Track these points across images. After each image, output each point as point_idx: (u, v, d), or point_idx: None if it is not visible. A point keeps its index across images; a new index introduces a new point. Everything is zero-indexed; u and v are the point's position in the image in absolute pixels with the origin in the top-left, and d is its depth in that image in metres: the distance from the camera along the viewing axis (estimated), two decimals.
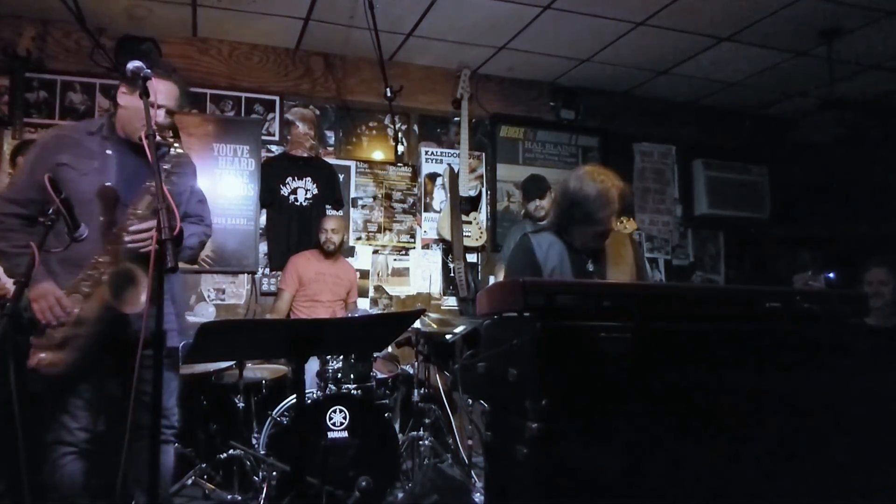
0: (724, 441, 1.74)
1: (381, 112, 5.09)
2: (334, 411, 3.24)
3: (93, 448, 2.29)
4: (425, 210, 5.16)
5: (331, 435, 3.21)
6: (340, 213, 4.92)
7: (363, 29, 4.27)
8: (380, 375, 3.68)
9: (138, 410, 2.04)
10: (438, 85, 5.18)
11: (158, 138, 2.17)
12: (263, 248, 4.73)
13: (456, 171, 5.06)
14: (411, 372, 3.96)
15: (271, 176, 4.73)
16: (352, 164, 5.05)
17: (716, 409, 1.75)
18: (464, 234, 4.93)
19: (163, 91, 2.16)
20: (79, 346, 2.06)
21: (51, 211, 1.89)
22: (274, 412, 3.41)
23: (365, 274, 4.94)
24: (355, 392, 3.42)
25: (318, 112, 5.01)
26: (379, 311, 4.57)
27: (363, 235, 5.02)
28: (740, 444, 1.75)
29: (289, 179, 4.77)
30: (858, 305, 2.00)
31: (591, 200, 2.34)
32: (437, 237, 5.12)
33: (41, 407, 2.19)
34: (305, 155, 4.86)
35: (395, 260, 5.08)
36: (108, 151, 2.27)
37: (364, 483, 3.11)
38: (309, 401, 3.27)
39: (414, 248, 5.15)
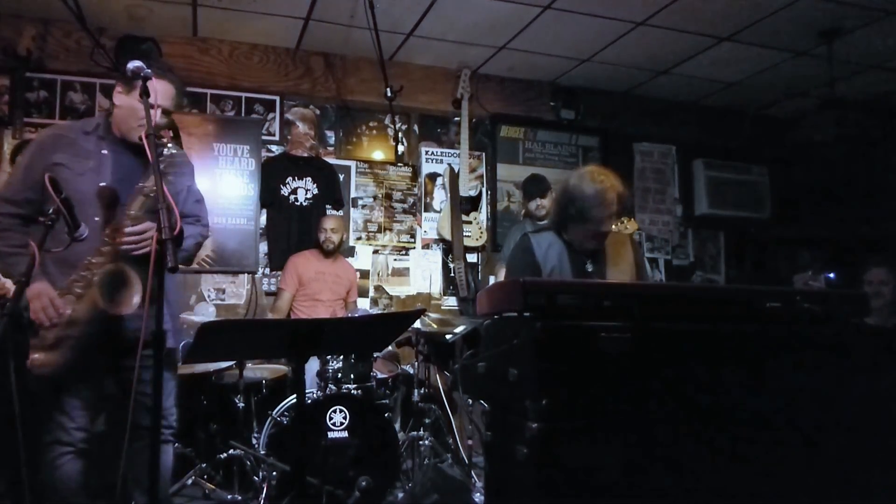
0: (723, 441, 1.74)
1: (382, 112, 5.09)
2: (334, 411, 3.24)
3: (91, 448, 2.29)
4: (425, 210, 5.16)
5: (331, 435, 3.21)
6: (340, 212, 4.93)
7: (363, 29, 4.27)
8: (380, 375, 3.68)
9: (136, 411, 2.04)
10: (439, 85, 5.18)
11: (146, 138, 2.17)
12: (263, 247, 4.73)
13: (456, 170, 5.06)
14: (411, 372, 3.97)
15: (271, 176, 4.74)
16: (352, 163, 5.05)
17: (716, 409, 1.75)
18: (464, 233, 4.93)
19: (159, 91, 2.15)
20: (71, 347, 2.05)
21: (51, 210, 1.89)
22: (274, 412, 3.41)
23: (365, 274, 4.94)
24: (355, 392, 3.42)
25: (318, 112, 5.01)
26: (379, 311, 4.58)
27: (363, 235, 5.02)
28: (740, 443, 1.75)
29: (289, 179, 4.77)
30: (859, 305, 2.00)
31: (587, 199, 2.35)
32: (437, 237, 5.12)
33: (38, 407, 2.19)
34: (306, 155, 4.86)
35: (395, 260, 5.08)
36: (104, 151, 2.27)
37: (364, 483, 3.12)
38: (309, 401, 3.27)
39: (414, 248, 5.15)
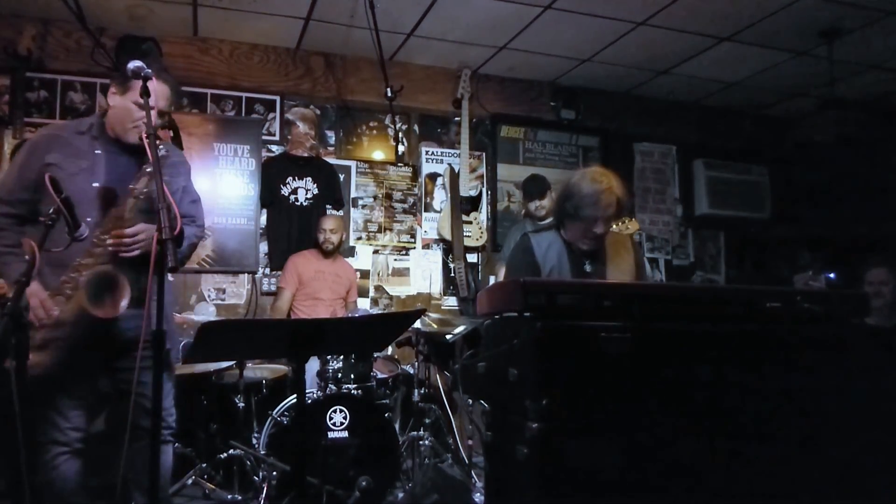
0: (724, 441, 1.74)
1: (382, 112, 5.10)
2: (334, 411, 3.24)
3: (87, 448, 2.29)
4: (426, 210, 5.16)
5: (331, 435, 3.21)
6: (340, 212, 4.93)
7: (364, 29, 4.27)
8: (380, 375, 3.68)
9: (135, 411, 2.04)
10: (439, 85, 5.19)
11: (146, 139, 2.17)
12: (264, 247, 4.74)
13: (456, 170, 5.06)
14: (411, 372, 3.97)
15: (272, 176, 4.74)
16: (352, 163, 5.05)
17: (716, 409, 1.75)
18: (464, 233, 4.93)
19: (154, 91, 2.14)
20: (58, 348, 2.04)
21: (52, 210, 1.89)
22: (274, 412, 3.41)
23: (365, 274, 4.95)
24: (355, 392, 3.42)
25: (318, 112, 5.01)
26: (379, 311, 4.58)
27: (363, 235, 5.02)
28: (740, 443, 1.75)
29: (289, 179, 4.77)
30: (859, 305, 2.00)
31: (583, 197, 2.35)
32: (437, 237, 5.12)
33: (33, 407, 2.19)
34: (306, 155, 4.87)
35: (395, 260, 5.08)
36: (98, 151, 2.26)
37: (364, 483, 3.11)
38: (309, 401, 3.27)
39: (414, 247, 5.15)
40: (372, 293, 4.92)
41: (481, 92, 5.28)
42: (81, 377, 2.25)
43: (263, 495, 3.13)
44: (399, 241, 5.11)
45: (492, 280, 5.02)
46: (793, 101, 5.73)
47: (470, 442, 3.67)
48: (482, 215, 5.18)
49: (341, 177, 4.98)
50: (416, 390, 3.77)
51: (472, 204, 5.04)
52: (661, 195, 5.85)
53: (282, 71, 4.85)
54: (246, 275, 4.68)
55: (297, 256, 4.39)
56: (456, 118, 5.24)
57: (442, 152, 5.25)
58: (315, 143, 4.95)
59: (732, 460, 1.73)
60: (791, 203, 5.92)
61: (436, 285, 5.10)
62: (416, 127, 5.29)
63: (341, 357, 3.46)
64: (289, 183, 4.77)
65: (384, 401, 3.64)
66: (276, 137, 4.86)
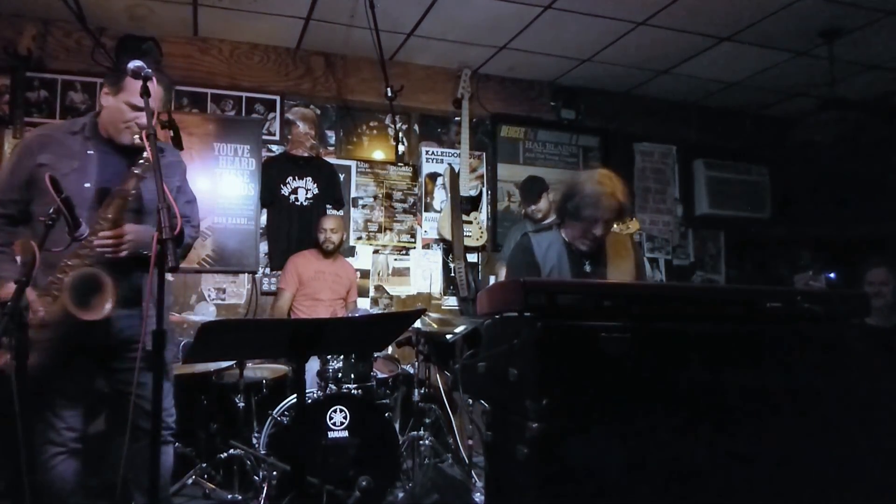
0: (724, 441, 1.74)
1: (382, 112, 5.10)
2: (334, 411, 3.24)
3: (85, 448, 2.29)
4: (426, 210, 5.16)
5: (331, 435, 3.21)
6: (341, 212, 4.93)
7: (364, 28, 4.27)
8: (380, 375, 3.68)
9: (133, 412, 2.04)
10: (439, 84, 5.19)
11: (137, 140, 2.16)
12: (264, 247, 4.74)
13: (456, 170, 5.06)
14: (411, 372, 3.96)
15: (272, 175, 4.74)
16: (352, 163, 5.05)
17: (716, 409, 1.75)
18: (464, 233, 4.93)
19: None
20: (43, 350, 2.01)
21: (52, 210, 1.89)
22: (274, 412, 3.41)
23: (365, 274, 4.95)
24: (355, 392, 3.42)
25: (318, 112, 5.01)
26: (379, 311, 4.58)
27: (364, 235, 5.02)
28: (740, 443, 1.75)
29: (289, 179, 4.77)
30: (859, 305, 2.00)
31: (584, 197, 2.36)
32: (437, 237, 5.12)
33: (30, 407, 2.19)
34: (306, 154, 4.87)
35: (395, 260, 5.08)
36: (90, 152, 2.25)
37: (364, 483, 3.11)
38: (309, 400, 3.27)
39: (414, 247, 5.15)
40: (372, 293, 4.92)
41: (481, 92, 5.28)
42: (75, 378, 2.24)
43: (263, 495, 3.13)
44: (399, 241, 5.11)
45: (492, 280, 5.02)
46: (793, 101, 5.72)
47: (470, 442, 3.66)
48: (482, 215, 5.18)
49: (341, 177, 4.98)
50: (416, 390, 3.77)
51: (473, 204, 5.04)
52: (661, 195, 5.85)
53: (282, 71, 4.85)
54: (246, 275, 4.68)
55: (297, 257, 4.39)
56: (456, 118, 5.24)
57: (442, 152, 5.25)
58: (315, 142, 4.95)
59: (732, 460, 1.73)
60: (791, 203, 5.92)
61: (436, 285, 5.10)
62: (416, 127, 5.29)
63: (341, 357, 3.46)
64: (289, 183, 4.77)
65: (384, 401, 3.64)
66: (277, 137, 4.86)
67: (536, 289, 1.71)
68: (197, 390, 3.53)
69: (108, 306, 2.03)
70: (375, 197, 5.08)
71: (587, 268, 2.47)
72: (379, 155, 5.14)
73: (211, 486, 3.32)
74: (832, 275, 4.64)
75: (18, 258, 2.27)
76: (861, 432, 1.83)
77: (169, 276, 2.42)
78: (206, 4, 4.17)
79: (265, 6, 4.21)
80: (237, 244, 4.62)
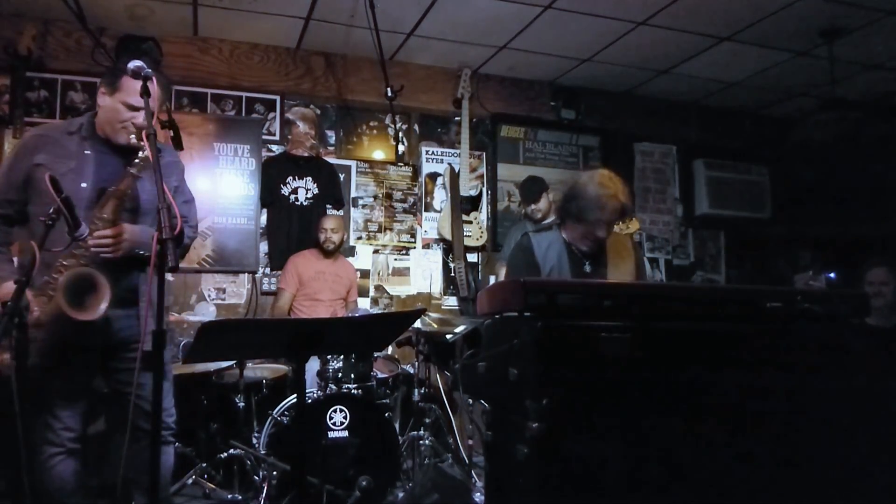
0: (724, 441, 1.74)
1: (382, 111, 5.10)
2: (335, 411, 3.24)
3: (84, 448, 2.28)
4: (426, 210, 5.16)
5: (331, 434, 3.21)
6: (341, 212, 4.93)
7: (364, 28, 4.27)
8: (380, 375, 3.68)
9: (133, 412, 2.04)
10: (439, 84, 5.19)
11: (133, 140, 2.16)
12: (264, 247, 4.74)
13: (456, 170, 5.06)
14: (411, 372, 3.96)
15: (272, 175, 4.74)
16: (352, 163, 5.05)
17: (716, 409, 1.75)
18: (464, 233, 4.93)
19: (139, 91, 2.05)
20: (36, 350, 2.00)
21: (52, 210, 1.89)
22: (274, 412, 3.41)
23: (365, 273, 4.94)
24: (356, 392, 3.42)
25: (318, 111, 5.01)
26: (379, 311, 4.57)
27: (364, 235, 5.02)
28: (740, 443, 1.75)
29: (289, 179, 4.77)
30: (859, 305, 2.00)
31: (587, 199, 2.35)
32: (437, 237, 5.12)
33: (27, 407, 2.18)
34: (306, 154, 4.87)
35: (395, 259, 5.08)
36: (87, 151, 2.25)
37: (364, 482, 3.11)
38: (309, 400, 3.27)
39: (414, 247, 5.15)
40: (372, 293, 4.92)
41: (481, 92, 5.28)
42: (72, 378, 2.23)
43: (263, 495, 3.13)
44: (399, 241, 5.11)
45: (492, 280, 5.02)
46: (793, 101, 5.73)
47: (470, 442, 3.66)
48: (482, 215, 5.18)
49: (341, 176, 4.98)
50: (416, 390, 3.77)
51: (473, 204, 5.04)
52: (661, 195, 5.85)
53: (282, 71, 4.85)
54: (246, 274, 4.68)
55: (297, 257, 4.39)
56: (456, 118, 5.24)
57: (442, 152, 5.25)
58: (315, 142, 4.95)
59: (732, 460, 1.74)
60: (791, 203, 5.92)
61: (436, 285, 5.10)
62: (416, 127, 5.29)
63: (341, 357, 3.46)
64: (289, 182, 4.77)
65: (384, 400, 3.64)
66: (277, 137, 4.86)
67: (536, 289, 1.71)
68: (197, 390, 3.53)
69: (103, 306, 2.02)
70: (375, 197, 5.08)
71: (587, 268, 2.47)
72: (379, 155, 5.14)
73: (211, 485, 3.33)
74: (832, 275, 4.64)
75: (15, 259, 2.27)
76: (861, 432, 1.83)
77: (169, 276, 2.41)
78: (206, 4, 4.17)
79: (265, 6, 4.21)
80: (237, 244, 4.62)
